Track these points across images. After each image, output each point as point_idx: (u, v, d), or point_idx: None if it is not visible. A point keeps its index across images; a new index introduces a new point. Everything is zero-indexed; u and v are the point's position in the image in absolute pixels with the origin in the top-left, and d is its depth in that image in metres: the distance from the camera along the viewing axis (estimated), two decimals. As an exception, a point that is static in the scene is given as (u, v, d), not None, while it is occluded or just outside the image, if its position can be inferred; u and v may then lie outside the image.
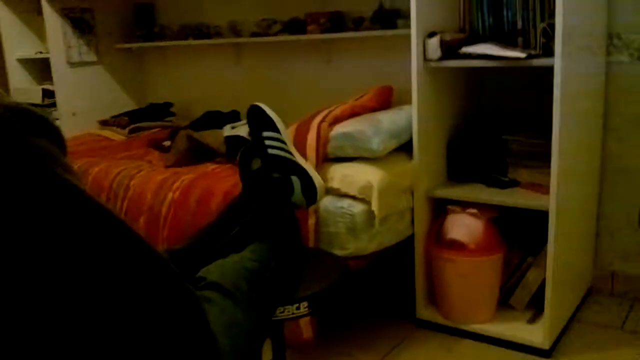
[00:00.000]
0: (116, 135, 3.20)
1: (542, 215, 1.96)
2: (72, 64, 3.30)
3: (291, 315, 1.29)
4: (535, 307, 2.19)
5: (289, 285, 1.33)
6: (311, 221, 2.00)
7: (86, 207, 0.52)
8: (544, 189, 2.02)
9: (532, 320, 2.16)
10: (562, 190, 1.95)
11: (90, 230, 0.51)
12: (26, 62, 3.40)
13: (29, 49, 3.40)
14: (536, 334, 2.05)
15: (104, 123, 3.30)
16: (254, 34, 3.00)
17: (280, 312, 1.27)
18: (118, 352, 0.54)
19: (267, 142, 1.61)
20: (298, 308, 1.30)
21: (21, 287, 0.47)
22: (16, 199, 0.46)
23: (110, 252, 0.53)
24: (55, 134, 0.53)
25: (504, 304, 2.25)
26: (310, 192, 1.59)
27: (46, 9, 3.18)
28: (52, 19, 3.21)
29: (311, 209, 1.98)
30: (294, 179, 1.58)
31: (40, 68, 3.33)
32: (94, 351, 0.52)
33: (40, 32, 3.37)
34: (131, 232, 0.56)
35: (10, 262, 0.46)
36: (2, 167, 0.46)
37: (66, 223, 0.49)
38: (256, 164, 1.60)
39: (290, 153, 1.62)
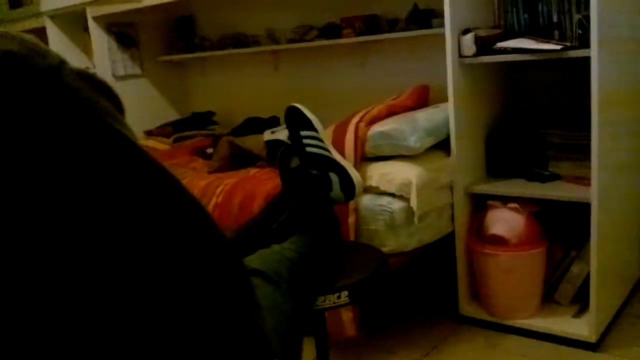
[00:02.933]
0: (161, 144, 3.29)
1: (584, 208, 1.94)
2: (118, 78, 3.42)
3: (332, 305, 1.32)
4: (580, 301, 2.16)
5: (329, 275, 1.37)
6: (351, 219, 2.03)
7: (141, 160, 0.55)
8: (586, 181, 2.00)
9: (577, 314, 2.14)
10: (603, 182, 1.93)
11: (141, 179, 0.54)
12: (74, 78, 3.53)
13: (76, 64, 3.49)
14: (582, 328, 2.03)
15: (149, 133, 3.41)
16: (291, 41, 3.06)
17: (322, 302, 1.31)
18: (153, 322, 0.55)
19: (305, 141, 1.65)
20: (339, 297, 1.33)
21: (65, 236, 0.50)
22: (72, 148, 0.50)
23: (160, 204, 0.55)
24: (114, 98, 0.57)
25: (548, 298, 2.23)
26: (349, 187, 1.62)
27: (92, 25, 3.31)
28: (97, 35, 3.34)
29: (351, 207, 2.02)
30: (332, 175, 1.61)
31: (88, 83, 3.46)
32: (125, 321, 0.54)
33: (86, 48, 3.51)
34: (185, 192, 0.59)
35: (58, 207, 0.49)
36: (63, 119, 0.50)
37: (119, 171, 0.52)
38: (295, 162, 1.64)
39: (328, 150, 1.66)
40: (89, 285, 0.51)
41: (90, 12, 3.28)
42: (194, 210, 0.59)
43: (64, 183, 0.49)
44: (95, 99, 0.53)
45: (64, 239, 0.49)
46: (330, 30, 2.92)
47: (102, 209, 0.51)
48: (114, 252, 0.51)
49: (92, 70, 0.57)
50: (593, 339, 1.99)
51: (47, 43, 3.42)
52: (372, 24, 2.80)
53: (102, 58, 3.36)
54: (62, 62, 0.53)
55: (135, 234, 0.53)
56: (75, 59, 3.52)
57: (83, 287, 0.50)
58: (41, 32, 3.45)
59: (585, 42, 1.88)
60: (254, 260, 1.14)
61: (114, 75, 3.40)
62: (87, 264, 0.50)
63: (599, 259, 1.96)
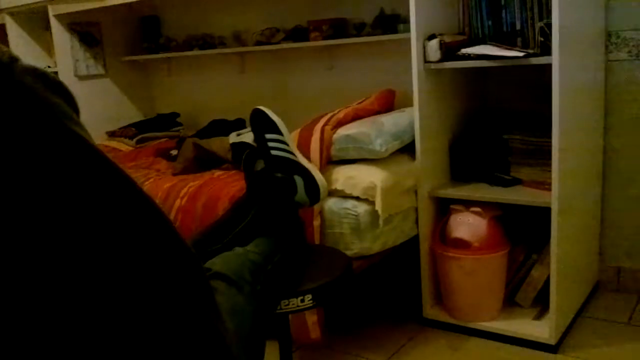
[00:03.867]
0: (124, 145, 3.24)
1: (545, 212, 1.98)
2: (80, 77, 3.36)
3: (296, 308, 1.32)
4: (541, 304, 2.20)
5: (292, 278, 1.36)
6: (316, 223, 2.03)
7: (97, 161, 0.53)
8: (546, 186, 2.04)
9: (538, 317, 2.17)
10: (564, 187, 1.97)
11: (98, 183, 0.53)
12: (35, 77, 3.45)
13: (38, 63, 3.42)
14: (543, 330, 2.06)
15: (112, 134, 3.36)
16: (258, 43, 3.05)
17: (285, 305, 1.30)
18: (111, 331, 0.53)
19: (270, 144, 1.64)
20: (302, 301, 1.32)
21: (20, 238, 0.48)
22: (26, 149, 0.48)
23: (117, 208, 0.54)
24: (69, 97, 0.55)
25: (510, 301, 2.26)
26: (313, 191, 1.62)
27: (54, 24, 3.25)
28: (59, 34, 3.28)
29: (316, 210, 2.02)
30: (297, 178, 1.61)
31: (49, 82, 3.39)
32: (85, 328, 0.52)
33: (48, 47, 3.44)
34: (142, 195, 0.57)
35: (11, 209, 0.48)
36: (16, 120, 0.48)
37: (74, 174, 0.51)
38: (260, 165, 1.63)
39: (293, 154, 1.66)
40: (34, 289, 0.49)
41: (52, 10, 3.21)
42: (151, 214, 0.58)
43: (13, 184, 0.47)
44: (48, 97, 0.52)
45: (8, 241, 0.48)
46: (298, 33, 2.92)
47: (53, 211, 0.49)
48: (63, 255, 0.50)
49: (47, 69, 0.55)
50: (553, 340, 2.03)
51: (6, 41, 3.35)
52: (340, 28, 2.81)
53: (64, 57, 3.29)
54: (14, 59, 0.51)
55: (87, 236, 0.51)
56: (36, 57, 3.45)
57: (27, 291, 0.49)
58: (0, 30, 3.37)
59: (547, 49, 1.91)
60: (216, 264, 1.13)
61: (76, 75, 3.34)
62: (34, 267, 0.49)
63: (559, 262, 1.99)
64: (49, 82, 0.53)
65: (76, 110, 0.56)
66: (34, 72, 0.52)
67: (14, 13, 3.35)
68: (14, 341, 0.50)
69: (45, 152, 0.49)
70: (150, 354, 0.57)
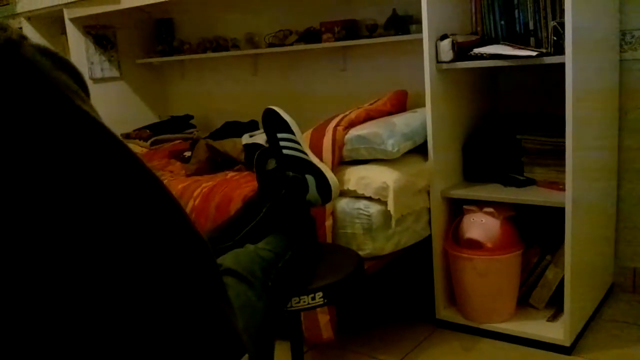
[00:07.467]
0: (138, 147, 3.27)
1: (559, 213, 1.96)
2: (95, 80, 3.39)
3: (307, 306, 1.32)
4: (555, 305, 2.18)
5: (303, 276, 1.36)
6: (328, 223, 2.03)
7: (103, 137, 0.53)
8: (560, 186, 2.02)
9: (552, 318, 2.15)
10: (578, 187, 1.95)
11: (104, 158, 0.53)
12: (51, 80, 3.49)
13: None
14: (557, 332, 2.05)
15: (127, 136, 3.38)
16: (271, 45, 3.06)
17: (296, 303, 1.31)
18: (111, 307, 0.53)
19: (282, 143, 1.65)
20: (313, 298, 1.33)
21: (29, 216, 0.48)
22: (32, 124, 0.49)
23: (124, 184, 0.54)
24: (77, 75, 0.56)
25: (524, 302, 2.24)
26: (325, 190, 1.62)
27: (69, 27, 3.29)
28: (75, 38, 3.32)
29: (328, 210, 2.02)
30: (309, 177, 1.61)
31: (65, 85, 3.42)
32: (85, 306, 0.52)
33: (64, 51, 3.47)
34: (151, 175, 0.57)
35: (18, 187, 0.48)
36: (23, 95, 0.49)
37: (80, 149, 0.51)
38: (271, 164, 1.64)
39: (305, 153, 1.66)
40: (52, 275, 0.49)
41: (68, 14, 3.25)
42: (160, 195, 0.58)
43: (20, 159, 0.48)
44: (55, 74, 0.52)
45: (18, 224, 0.48)
46: (310, 35, 2.93)
47: (62, 189, 0.49)
48: (72, 235, 0.50)
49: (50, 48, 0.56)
50: (567, 342, 2.01)
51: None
52: (352, 29, 2.81)
53: (80, 60, 3.33)
54: (23, 37, 0.52)
55: (95, 212, 0.51)
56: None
57: (44, 277, 0.49)
58: (17, 33, 3.41)
59: (560, 49, 1.90)
60: (227, 260, 1.13)
61: (91, 78, 3.37)
62: (46, 251, 0.49)
63: (573, 263, 1.98)
64: (57, 61, 0.54)
65: (84, 88, 0.56)
66: (43, 50, 0.53)
67: (31, 17, 3.39)
68: (26, 330, 0.50)
69: (51, 126, 0.49)
70: (163, 341, 0.57)
